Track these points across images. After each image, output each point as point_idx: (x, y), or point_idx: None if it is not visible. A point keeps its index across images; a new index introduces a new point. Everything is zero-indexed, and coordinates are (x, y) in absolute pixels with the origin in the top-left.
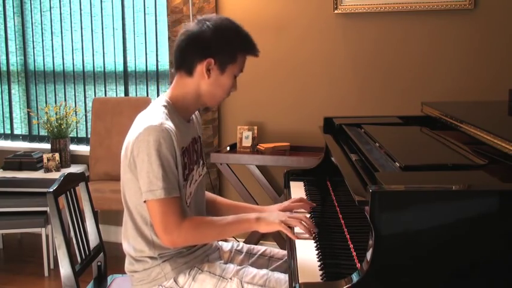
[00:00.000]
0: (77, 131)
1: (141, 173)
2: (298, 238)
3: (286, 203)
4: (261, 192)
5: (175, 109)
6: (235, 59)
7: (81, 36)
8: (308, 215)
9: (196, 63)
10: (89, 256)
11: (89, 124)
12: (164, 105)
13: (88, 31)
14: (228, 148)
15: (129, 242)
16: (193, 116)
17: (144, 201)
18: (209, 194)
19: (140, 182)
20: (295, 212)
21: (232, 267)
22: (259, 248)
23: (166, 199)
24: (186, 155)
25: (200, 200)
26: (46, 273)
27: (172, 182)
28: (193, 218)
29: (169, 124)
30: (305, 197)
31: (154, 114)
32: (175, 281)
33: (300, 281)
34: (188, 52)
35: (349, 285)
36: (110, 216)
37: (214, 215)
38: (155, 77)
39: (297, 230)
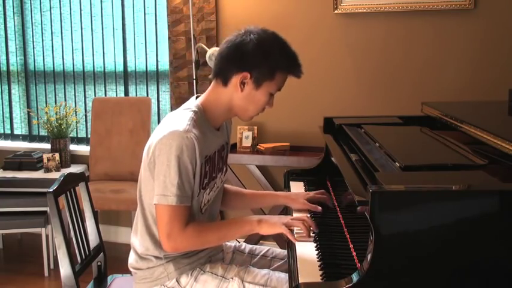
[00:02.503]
0: (77, 131)
1: (158, 175)
2: (298, 241)
3: (311, 193)
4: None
5: (205, 116)
6: (273, 76)
7: (81, 36)
8: (308, 215)
9: (232, 75)
10: (89, 256)
11: (89, 124)
12: (194, 111)
13: (88, 31)
14: None
15: (137, 237)
16: (223, 123)
17: (155, 204)
18: (232, 188)
19: (155, 183)
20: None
21: (233, 268)
22: (262, 249)
23: (177, 207)
24: (209, 164)
25: (216, 205)
26: (46, 273)
27: (187, 191)
28: (195, 224)
29: (194, 132)
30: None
31: (182, 119)
32: (178, 281)
33: (300, 281)
34: (227, 62)
35: (349, 285)
36: (110, 216)
37: (237, 207)
38: (155, 77)
39: (297, 230)
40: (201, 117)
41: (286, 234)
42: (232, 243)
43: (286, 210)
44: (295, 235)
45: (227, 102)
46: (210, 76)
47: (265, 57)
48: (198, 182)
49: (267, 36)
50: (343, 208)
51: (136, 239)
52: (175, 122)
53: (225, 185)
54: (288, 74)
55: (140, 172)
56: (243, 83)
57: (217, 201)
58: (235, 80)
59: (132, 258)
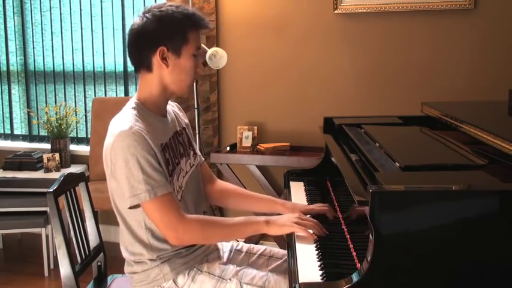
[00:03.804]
0: (77, 131)
1: (121, 180)
2: (314, 237)
3: (311, 206)
4: (261, 192)
5: (146, 108)
6: (187, 38)
7: (81, 36)
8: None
9: (151, 57)
10: (89, 256)
11: (89, 124)
12: (133, 107)
13: (88, 31)
14: (228, 148)
15: (127, 249)
16: (170, 110)
17: (131, 208)
18: (225, 184)
19: (123, 188)
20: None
21: (231, 268)
22: (259, 248)
23: (156, 199)
24: (167, 151)
25: (196, 191)
26: (46, 273)
27: (158, 180)
28: (200, 216)
29: (139, 125)
30: (305, 197)
31: (124, 119)
32: (175, 281)
33: (300, 281)
34: (139, 49)
35: (349, 285)
36: (110, 216)
37: (230, 205)
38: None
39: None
40: (143, 110)
41: (299, 230)
42: (230, 243)
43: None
44: (296, 239)
45: (159, 84)
46: (134, 73)
47: (169, 25)
48: (165, 169)
49: (160, 9)
50: (343, 208)
51: (127, 250)
52: (118, 124)
53: (225, 183)
54: (197, 29)
55: (108, 185)
56: (164, 59)
57: (195, 188)
58: (156, 60)
59: (127, 264)
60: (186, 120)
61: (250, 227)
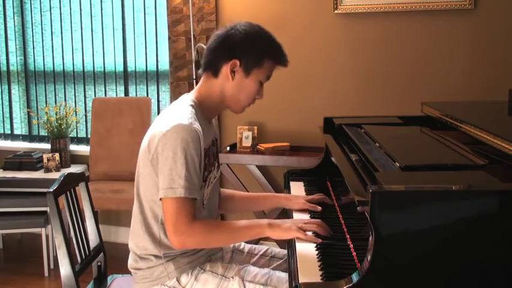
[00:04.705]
0: (77, 131)
1: (163, 169)
2: (318, 241)
3: (310, 197)
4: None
5: (201, 109)
6: (262, 63)
7: (81, 36)
8: (308, 216)
9: (222, 64)
10: (89, 256)
11: (89, 124)
12: (191, 105)
13: (88, 31)
14: (228, 148)
15: (136, 239)
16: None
17: (160, 199)
18: (226, 191)
19: (160, 178)
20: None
21: (233, 267)
22: (261, 248)
23: (185, 198)
24: (207, 157)
25: (214, 202)
26: (46, 273)
27: (195, 182)
28: (204, 221)
29: (197, 125)
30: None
31: (184, 113)
32: (178, 280)
33: (300, 281)
34: (215, 53)
35: (349, 285)
36: (110, 216)
37: (234, 211)
38: (155, 77)
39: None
40: (198, 110)
41: (303, 237)
42: None
43: (285, 213)
44: (296, 239)
45: (219, 93)
46: (200, 71)
47: (253, 44)
48: (201, 174)
49: (253, 27)
50: (343, 208)
51: (135, 241)
52: (176, 116)
53: (225, 190)
54: (275, 61)
55: (138, 169)
56: (233, 71)
57: (215, 197)
58: (225, 69)
59: (131, 259)
60: (217, 132)
61: (253, 230)
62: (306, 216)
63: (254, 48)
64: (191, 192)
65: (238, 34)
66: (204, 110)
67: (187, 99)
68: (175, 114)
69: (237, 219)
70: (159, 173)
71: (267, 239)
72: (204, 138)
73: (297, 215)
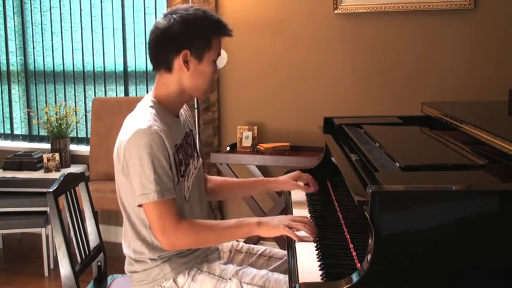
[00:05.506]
0: (77, 131)
1: (134, 177)
2: (302, 240)
3: (294, 173)
4: (260, 193)
5: (162, 108)
6: (210, 44)
7: (81, 36)
8: (308, 215)
9: (173, 58)
10: (89, 256)
11: (89, 124)
12: (151, 106)
13: (88, 31)
14: (228, 148)
15: (129, 245)
16: (181, 110)
17: (140, 206)
18: (217, 178)
19: (134, 186)
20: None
21: (231, 268)
22: (259, 248)
23: (161, 201)
24: (181, 151)
25: (199, 192)
26: (46, 273)
27: (167, 184)
28: (192, 221)
29: (158, 126)
30: (305, 197)
31: (143, 117)
32: (175, 281)
33: (300, 281)
34: (162, 49)
35: (349, 285)
36: (110, 216)
37: (226, 197)
38: (155, 77)
39: (299, 233)
40: (159, 110)
41: (290, 235)
42: (230, 243)
43: (286, 211)
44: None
45: (178, 86)
46: (151, 70)
47: (195, 29)
48: (175, 171)
49: (187, 12)
50: (343, 208)
51: (129, 247)
52: (136, 121)
53: (216, 178)
54: (220, 36)
55: (116, 179)
56: (186, 62)
57: (199, 186)
58: (178, 62)
59: (127, 263)
60: (193, 121)
61: (242, 229)
62: (305, 213)
63: (198, 33)
64: (164, 194)
65: (176, 24)
66: (167, 106)
67: (147, 100)
68: (134, 119)
69: (236, 206)
70: (132, 181)
71: (267, 239)
72: (173, 134)
73: (296, 212)
